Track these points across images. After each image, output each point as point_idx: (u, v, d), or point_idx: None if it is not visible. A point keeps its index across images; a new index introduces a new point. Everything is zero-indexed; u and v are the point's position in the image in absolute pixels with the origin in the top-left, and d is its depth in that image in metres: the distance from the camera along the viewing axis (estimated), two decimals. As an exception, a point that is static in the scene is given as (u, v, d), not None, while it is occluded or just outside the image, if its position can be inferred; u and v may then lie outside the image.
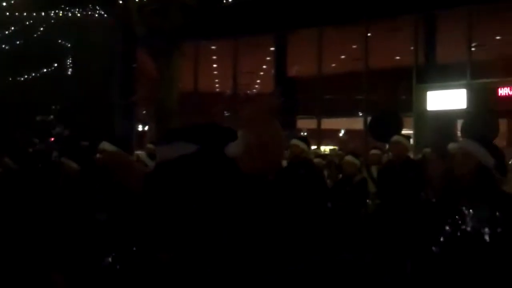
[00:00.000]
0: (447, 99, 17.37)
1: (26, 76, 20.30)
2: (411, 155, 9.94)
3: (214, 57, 24.12)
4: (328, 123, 21.27)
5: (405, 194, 6.43)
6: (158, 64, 6.43)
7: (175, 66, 6.56)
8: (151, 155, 7.45)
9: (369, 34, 19.32)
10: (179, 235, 2.42)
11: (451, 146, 6.82)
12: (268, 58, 22.83)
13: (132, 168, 3.95)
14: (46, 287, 2.76)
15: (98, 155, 5.15)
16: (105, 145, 5.23)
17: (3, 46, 19.33)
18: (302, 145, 7.52)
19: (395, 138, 7.54)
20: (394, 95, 19.61)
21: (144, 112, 25.01)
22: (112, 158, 4.14)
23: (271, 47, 22.04)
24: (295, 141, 7.55)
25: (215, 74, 25.19)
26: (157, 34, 6.15)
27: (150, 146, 10.07)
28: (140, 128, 25.16)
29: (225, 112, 24.24)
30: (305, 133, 20.64)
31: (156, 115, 6.49)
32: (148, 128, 24.48)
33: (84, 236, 5.07)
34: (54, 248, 4.72)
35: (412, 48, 18.72)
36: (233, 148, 2.41)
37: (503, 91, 16.77)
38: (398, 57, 20.17)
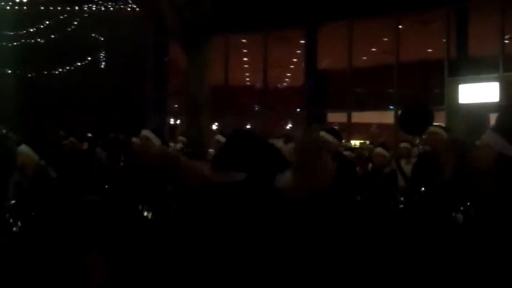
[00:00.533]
0: (479, 92, 17.20)
1: (60, 70, 20.65)
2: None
3: (245, 50, 24.20)
4: (358, 117, 21.17)
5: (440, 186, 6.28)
6: (189, 57, 6.53)
7: (206, 58, 6.64)
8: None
9: (400, 27, 19.21)
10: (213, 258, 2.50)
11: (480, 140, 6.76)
12: (298, 51, 22.84)
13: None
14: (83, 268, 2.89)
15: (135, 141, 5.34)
16: (146, 133, 5.40)
17: (39, 40, 19.70)
18: (330, 138, 7.18)
19: (433, 128, 7.27)
20: (425, 88, 19.48)
21: (176, 105, 25.26)
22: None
23: (302, 40, 22.06)
24: (323, 134, 7.23)
25: (245, 67, 25.26)
26: (188, 26, 6.24)
27: (182, 138, 10.23)
28: (172, 121, 25.41)
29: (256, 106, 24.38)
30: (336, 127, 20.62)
31: (186, 108, 6.60)
32: (180, 121, 24.71)
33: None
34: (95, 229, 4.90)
35: (443, 40, 18.55)
36: (283, 181, 2.49)
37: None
38: (429, 50, 19.98)
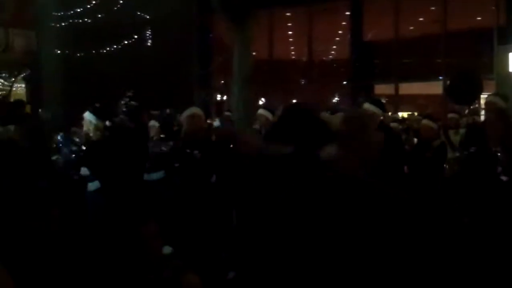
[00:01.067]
0: (529, 61, 16.75)
1: (108, 49, 20.90)
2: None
3: (289, 24, 24.06)
4: (406, 88, 20.89)
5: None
6: (233, 32, 6.56)
7: (250, 33, 6.65)
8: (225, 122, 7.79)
9: (448, -6, 18.80)
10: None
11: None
12: (343, 23, 22.59)
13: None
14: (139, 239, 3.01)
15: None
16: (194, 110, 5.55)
17: (86, 19, 19.95)
18: (374, 109, 7.00)
19: (490, 98, 7.08)
20: (474, 57, 19.04)
21: (222, 81, 25.38)
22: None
23: (347, 11, 21.79)
24: (367, 106, 7.10)
25: (290, 41, 25.14)
26: (232, 1, 6.26)
27: (227, 113, 10.29)
28: (218, 97, 25.56)
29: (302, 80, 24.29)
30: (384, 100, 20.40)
31: (232, 83, 6.64)
32: (226, 97, 24.84)
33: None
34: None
35: (493, 8, 18.06)
36: (329, 152, 2.56)
37: None
38: (478, 18, 19.49)
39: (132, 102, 10.95)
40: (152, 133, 7.88)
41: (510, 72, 17.10)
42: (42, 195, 3.13)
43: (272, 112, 7.86)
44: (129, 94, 11.28)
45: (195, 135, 5.95)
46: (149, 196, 7.00)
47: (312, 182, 2.56)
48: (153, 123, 7.83)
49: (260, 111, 7.75)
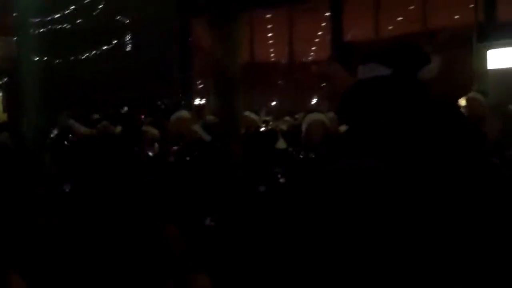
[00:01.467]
0: (508, 57, 16.93)
1: (87, 55, 20.81)
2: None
3: (269, 26, 24.08)
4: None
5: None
6: (218, 34, 6.51)
7: (236, 35, 6.62)
8: (207, 127, 7.60)
9: (426, -6, 18.95)
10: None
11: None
12: (323, 24, 22.65)
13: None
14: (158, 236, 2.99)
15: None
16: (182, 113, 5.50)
17: (65, 25, 19.85)
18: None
19: (472, 94, 7.17)
20: (454, 55, 19.18)
21: (201, 85, 25.32)
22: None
23: (327, 12, 21.86)
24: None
25: (270, 43, 25.16)
26: (217, 3, 6.22)
27: (210, 117, 10.23)
28: (197, 101, 25.47)
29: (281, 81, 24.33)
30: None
31: (217, 86, 6.59)
32: (206, 101, 24.78)
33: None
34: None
35: (471, 6, 18.22)
36: (427, 72, 2.52)
37: None
38: (457, 16, 19.66)
39: (125, 108, 10.94)
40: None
41: (488, 70, 17.27)
42: (38, 201, 3.09)
43: (258, 114, 7.84)
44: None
45: (183, 138, 5.93)
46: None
47: (415, 108, 2.45)
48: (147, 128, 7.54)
49: (246, 113, 7.70)
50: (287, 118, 11.40)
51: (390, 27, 21.03)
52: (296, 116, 12.44)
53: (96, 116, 12.61)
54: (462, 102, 8.40)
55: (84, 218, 4.53)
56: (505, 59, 16.96)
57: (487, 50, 17.31)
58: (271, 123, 11.24)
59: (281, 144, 8.41)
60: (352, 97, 2.59)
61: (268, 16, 23.26)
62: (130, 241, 3.26)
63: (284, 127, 10.53)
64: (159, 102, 12.48)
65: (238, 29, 6.83)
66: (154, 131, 7.08)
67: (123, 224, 4.28)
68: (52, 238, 3.02)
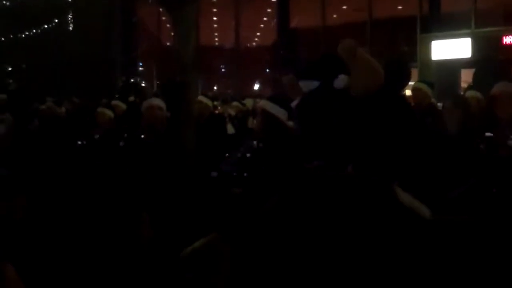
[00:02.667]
0: (451, 48, 17.31)
1: (26, 33, 20.10)
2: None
3: (215, 10, 23.86)
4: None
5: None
6: (173, 18, 6.35)
7: (191, 19, 6.47)
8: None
9: (372, -17, 19.15)
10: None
11: (469, 93, 6.78)
12: (269, 10, 22.61)
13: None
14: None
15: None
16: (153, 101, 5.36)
17: (4, 2, 19.10)
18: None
19: (416, 84, 7.23)
20: (397, 45, 19.51)
21: (142, 68, 24.93)
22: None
23: (273, -2, 21.86)
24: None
25: (215, 27, 24.96)
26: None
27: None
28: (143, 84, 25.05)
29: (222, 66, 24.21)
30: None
31: (172, 70, 6.45)
32: (147, 83, 24.41)
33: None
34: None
35: (415, -3, 18.56)
36: (341, 81, 3.00)
37: (507, 40, 16.70)
38: (401, 7, 19.98)
39: None
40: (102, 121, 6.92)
41: (432, 60, 17.63)
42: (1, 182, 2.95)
43: (211, 99, 7.73)
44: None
45: (154, 126, 5.76)
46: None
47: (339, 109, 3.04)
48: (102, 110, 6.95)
49: (200, 97, 7.55)
50: (235, 103, 11.30)
51: (335, 15, 21.18)
52: (243, 101, 12.37)
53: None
54: (407, 92, 8.48)
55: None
56: (448, 50, 17.35)
57: (431, 41, 17.66)
58: (219, 108, 11.12)
59: (229, 129, 8.34)
60: (301, 108, 3.26)
61: (213, 0, 23.03)
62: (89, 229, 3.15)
63: (232, 112, 10.45)
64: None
65: (192, 13, 6.70)
66: (109, 113, 6.85)
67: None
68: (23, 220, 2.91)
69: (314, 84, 3.10)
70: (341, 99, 3.00)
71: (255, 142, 5.03)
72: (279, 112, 4.73)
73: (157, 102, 5.90)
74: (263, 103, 5.02)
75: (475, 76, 12.38)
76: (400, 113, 3.01)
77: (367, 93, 2.96)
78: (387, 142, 2.95)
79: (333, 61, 3.10)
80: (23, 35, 20.07)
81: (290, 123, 5.41)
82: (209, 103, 7.46)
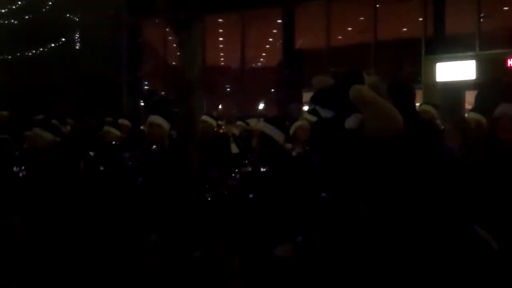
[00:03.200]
0: (456, 70, 17.38)
1: (33, 51, 20.25)
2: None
3: (221, 31, 24.02)
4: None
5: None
6: (179, 37, 6.42)
7: (197, 39, 6.54)
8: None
9: (377, 6, 19.24)
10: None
11: (470, 116, 6.81)
12: (275, 31, 22.74)
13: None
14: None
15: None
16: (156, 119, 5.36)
17: (12, 21, 19.26)
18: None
19: (423, 106, 7.28)
20: (402, 67, 19.59)
21: (147, 87, 25.01)
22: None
23: (278, 19, 21.95)
24: (307, 116, 6.95)
25: (221, 47, 25.09)
26: (178, 6, 6.14)
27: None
28: (142, 103, 25.06)
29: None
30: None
31: (178, 90, 6.49)
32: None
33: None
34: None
35: (420, 19, 18.65)
36: (353, 122, 2.71)
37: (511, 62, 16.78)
38: (406, 29, 20.09)
39: None
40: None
41: (436, 82, 17.68)
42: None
43: (215, 119, 7.77)
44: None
45: (156, 143, 5.78)
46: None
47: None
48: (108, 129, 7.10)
49: (204, 117, 7.60)
50: (240, 122, 11.34)
51: (340, 37, 21.29)
52: (248, 121, 12.40)
53: (40, 116, 12.21)
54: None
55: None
56: (453, 72, 17.40)
57: (436, 63, 17.72)
58: (223, 127, 11.17)
59: (233, 148, 8.37)
60: (313, 137, 3.19)
61: (220, 20, 23.18)
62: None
63: (236, 131, 10.48)
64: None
65: (199, 33, 6.78)
66: (116, 132, 6.89)
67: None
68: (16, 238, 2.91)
69: (327, 112, 3.01)
70: (352, 138, 2.97)
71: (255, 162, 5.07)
72: (276, 134, 4.78)
73: (156, 119, 5.89)
74: (261, 125, 5.07)
75: (477, 98, 12.42)
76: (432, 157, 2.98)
77: (385, 138, 2.88)
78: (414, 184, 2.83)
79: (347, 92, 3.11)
80: (30, 53, 20.20)
81: (288, 145, 5.48)
82: (213, 122, 7.50)
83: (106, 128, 6.90)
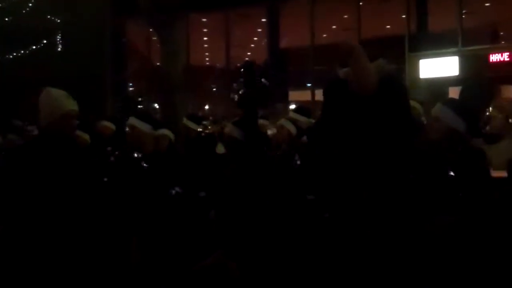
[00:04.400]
0: (439, 66, 17.47)
1: (15, 54, 20.06)
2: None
3: (205, 30, 23.95)
4: (321, 94, 21.17)
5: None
6: (162, 37, 6.40)
7: (179, 38, 6.52)
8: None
9: (360, 4, 19.29)
10: None
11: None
12: (259, 30, 22.72)
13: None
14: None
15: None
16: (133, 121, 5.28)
17: (-8, 23, 19.09)
18: (300, 117, 6.80)
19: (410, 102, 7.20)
20: (387, 63, 19.63)
21: (132, 88, 24.91)
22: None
23: (263, 18, 21.94)
24: (292, 115, 6.92)
25: (206, 47, 25.04)
26: (160, 5, 6.11)
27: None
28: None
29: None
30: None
31: (161, 90, 6.47)
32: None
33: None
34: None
35: (403, 16, 18.72)
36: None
37: (494, 58, 16.89)
38: (389, 26, 20.16)
39: None
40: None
41: (420, 78, 17.76)
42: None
43: (200, 119, 7.73)
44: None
45: (136, 146, 5.69)
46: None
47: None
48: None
49: (185, 121, 7.46)
50: (226, 122, 11.32)
51: (325, 35, 21.30)
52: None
53: (17, 122, 12.11)
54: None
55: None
56: (436, 68, 17.51)
57: (419, 59, 17.81)
58: (209, 127, 11.14)
59: (219, 148, 8.33)
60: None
61: (204, 20, 23.12)
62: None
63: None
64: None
65: (181, 33, 6.76)
66: (85, 136, 6.81)
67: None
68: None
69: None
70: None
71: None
72: (241, 135, 4.80)
73: (131, 120, 5.76)
74: (229, 128, 5.10)
75: (461, 94, 12.48)
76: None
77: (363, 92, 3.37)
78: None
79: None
80: (11, 56, 20.02)
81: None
82: (194, 126, 7.39)
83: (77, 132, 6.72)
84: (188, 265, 4.72)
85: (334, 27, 21.33)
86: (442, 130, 3.77)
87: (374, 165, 3.32)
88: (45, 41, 20.74)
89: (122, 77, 23.57)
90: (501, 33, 18.72)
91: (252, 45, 23.90)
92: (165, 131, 5.87)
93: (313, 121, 6.70)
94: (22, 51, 20.45)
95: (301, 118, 6.85)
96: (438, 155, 3.77)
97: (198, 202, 5.93)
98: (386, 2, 19.33)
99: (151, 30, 10.42)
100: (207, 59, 25.92)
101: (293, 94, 22.10)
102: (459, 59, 17.17)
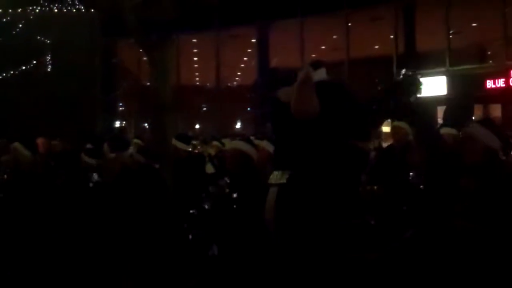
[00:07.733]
0: (427, 86, 17.58)
1: (4, 74, 20.03)
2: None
3: (195, 51, 24.07)
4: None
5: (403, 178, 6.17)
6: (152, 57, 6.43)
7: (169, 58, 6.56)
8: (140, 151, 7.32)
9: (349, 24, 19.46)
10: None
11: (443, 131, 6.83)
12: (249, 50, 22.85)
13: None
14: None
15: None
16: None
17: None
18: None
19: (396, 122, 7.22)
20: (375, 83, 19.77)
21: (122, 108, 24.91)
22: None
23: (253, 38, 22.07)
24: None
25: (196, 67, 25.15)
26: (149, 26, 6.15)
27: (137, 141, 9.93)
28: (117, 124, 24.94)
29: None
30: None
31: (150, 109, 6.49)
32: (126, 123, 24.40)
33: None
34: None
35: (391, 37, 18.91)
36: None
37: (481, 77, 17.07)
38: (378, 46, 20.35)
39: None
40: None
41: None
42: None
43: (190, 138, 7.74)
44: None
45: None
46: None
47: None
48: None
49: (173, 141, 7.40)
50: (215, 142, 11.30)
51: (314, 55, 21.45)
52: (223, 140, 12.39)
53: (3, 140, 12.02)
54: (387, 129, 8.49)
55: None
56: (424, 88, 17.61)
57: (407, 79, 17.94)
58: (199, 147, 11.13)
59: (208, 168, 8.34)
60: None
61: (194, 40, 23.23)
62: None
63: (212, 151, 10.45)
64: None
65: (171, 53, 6.79)
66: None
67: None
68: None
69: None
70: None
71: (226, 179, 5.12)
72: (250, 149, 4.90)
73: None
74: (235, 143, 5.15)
75: (445, 113, 12.59)
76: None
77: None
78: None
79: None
80: (1, 76, 20.00)
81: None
82: (183, 146, 7.38)
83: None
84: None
85: (323, 47, 21.49)
86: (479, 150, 3.87)
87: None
88: (34, 62, 20.71)
89: (112, 96, 23.57)
90: (489, 53, 18.95)
91: (242, 65, 24.03)
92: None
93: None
94: (12, 72, 20.44)
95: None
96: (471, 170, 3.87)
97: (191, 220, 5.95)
98: (374, 23, 19.53)
99: (141, 50, 10.49)
100: (197, 79, 26.01)
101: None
102: (447, 78, 17.33)
